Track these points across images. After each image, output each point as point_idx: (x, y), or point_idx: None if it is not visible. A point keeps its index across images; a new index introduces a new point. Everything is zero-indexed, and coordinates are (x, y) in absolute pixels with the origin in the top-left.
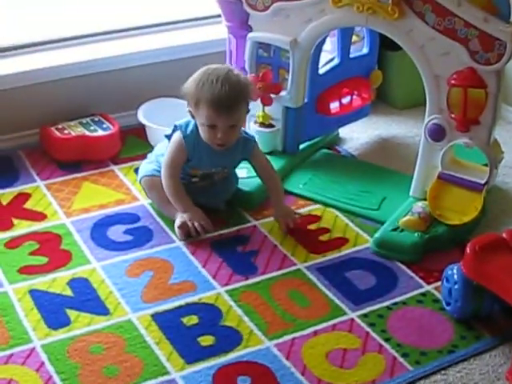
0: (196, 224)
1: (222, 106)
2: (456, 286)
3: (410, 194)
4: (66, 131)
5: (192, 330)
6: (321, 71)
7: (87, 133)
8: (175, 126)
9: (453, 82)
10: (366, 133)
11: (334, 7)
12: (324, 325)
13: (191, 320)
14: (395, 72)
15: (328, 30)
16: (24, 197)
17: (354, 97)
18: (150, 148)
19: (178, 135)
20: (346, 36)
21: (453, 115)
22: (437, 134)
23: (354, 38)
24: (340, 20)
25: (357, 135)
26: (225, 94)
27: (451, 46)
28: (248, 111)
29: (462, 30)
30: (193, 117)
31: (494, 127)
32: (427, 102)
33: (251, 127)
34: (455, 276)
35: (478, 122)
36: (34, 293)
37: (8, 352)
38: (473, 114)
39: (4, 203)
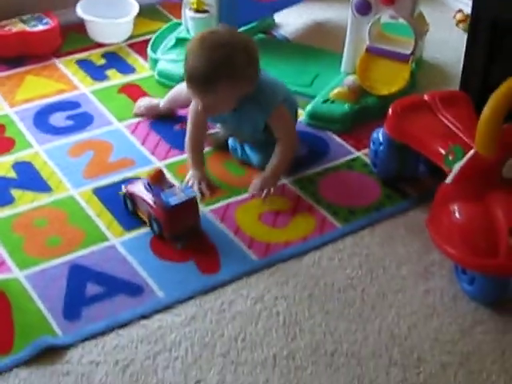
0: (195, 185)
1: (193, 84)
2: (381, 148)
3: (342, 69)
4: (6, 28)
5: None
6: None
7: (27, 28)
8: None
9: None
10: (301, 18)
11: None
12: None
13: None
14: None
15: None
16: None
17: None
18: (90, 42)
19: None
20: None
21: None
22: (363, 7)
23: None
24: None
25: (292, 20)
26: (197, 70)
27: None
28: (248, 81)
29: None
30: None
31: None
32: None
33: (186, 14)
34: (380, 138)
35: None
36: None
37: None
38: None
39: None
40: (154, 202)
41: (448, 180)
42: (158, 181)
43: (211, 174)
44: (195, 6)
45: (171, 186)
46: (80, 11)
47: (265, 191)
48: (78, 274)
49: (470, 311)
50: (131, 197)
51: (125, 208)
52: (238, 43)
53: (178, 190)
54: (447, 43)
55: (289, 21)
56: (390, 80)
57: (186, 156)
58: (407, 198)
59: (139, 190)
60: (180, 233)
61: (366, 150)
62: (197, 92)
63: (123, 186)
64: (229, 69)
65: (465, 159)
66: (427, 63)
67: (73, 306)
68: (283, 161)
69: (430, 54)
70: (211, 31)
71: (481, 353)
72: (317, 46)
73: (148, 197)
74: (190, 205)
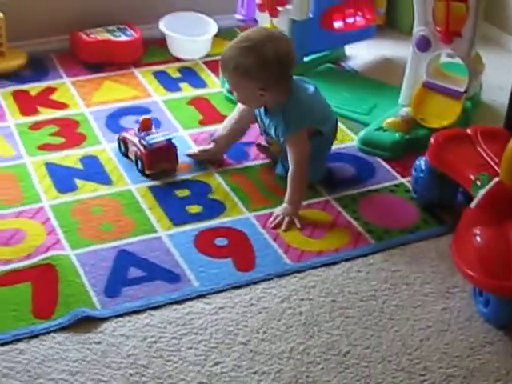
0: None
1: (220, 66)
2: (422, 175)
3: (399, 101)
4: (92, 36)
5: (183, 200)
6: None
7: (112, 38)
8: None
9: None
10: (371, 52)
11: None
12: None
13: (183, 192)
14: None
15: None
16: (51, 90)
17: (358, 18)
18: (169, 56)
19: None
20: None
21: (437, 28)
22: (423, 44)
23: None
24: None
25: (362, 54)
26: (223, 55)
27: None
28: (263, 89)
29: None
30: None
31: (474, 40)
32: (415, 16)
33: None
34: (422, 165)
35: (460, 35)
36: (49, 165)
37: (20, 209)
38: (455, 27)
39: (32, 94)
40: (139, 143)
41: (472, 205)
42: (145, 128)
43: (261, 183)
44: None
45: (156, 132)
46: (162, 27)
47: (285, 221)
48: (124, 258)
49: (483, 331)
50: (124, 141)
51: (118, 150)
52: (265, 44)
53: (160, 135)
54: (507, 87)
55: (358, 54)
56: (442, 114)
57: (241, 165)
58: (443, 224)
59: (130, 135)
60: (158, 171)
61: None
62: (222, 72)
63: (120, 134)
64: (241, 61)
65: (489, 186)
66: (484, 104)
67: (114, 284)
68: (297, 187)
69: (488, 96)
70: (256, 28)
71: (486, 370)
72: (382, 79)
73: (136, 140)
74: (168, 147)
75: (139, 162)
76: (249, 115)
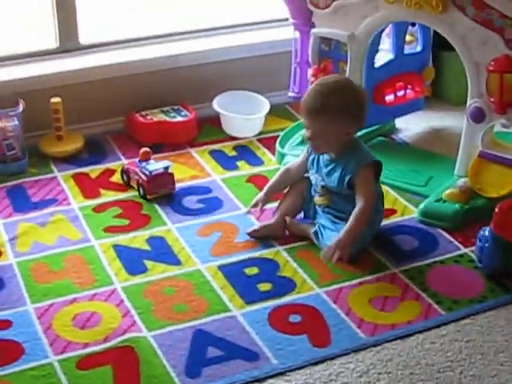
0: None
1: (303, 112)
2: (487, 244)
3: (455, 172)
4: (148, 117)
5: (252, 278)
6: (376, 65)
7: (167, 119)
8: None
9: (490, 68)
10: (420, 124)
11: (387, 3)
12: (369, 277)
13: (252, 271)
14: (450, 71)
15: (382, 24)
16: (110, 172)
17: (408, 90)
18: (224, 135)
19: None
20: (399, 33)
21: (491, 99)
22: (477, 116)
23: (409, 37)
24: (391, 15)
25: (412, 126)
26: (305, 98)
27: (488, 35)
28: (348, 131)
29: (497, 20)
30: None
31: None
32: (469, 88)
33: None
34: (486, 235)
35: None
36: (116, 247)
37: (93, 291)
38: (509, 98)
39: (93, 176)
40: (141, 172)
41: None
42: (145, 158)
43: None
44: None
45: (154, 162)
46: (216, 106)
47: (337, 254)
48: (201, 338)
49: None
50: (127, 171)
51: (121, 180)
52: (353, 87)
53: (159, 164)
54: None
55: (408, 126)
56: (500, 184)
57: (303, 243)
58: (510, 293)
59: (132, 166)
60: (158, 195)
61: (473, 248)
62: (305, 119)
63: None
64: (332, 103)
65: None
66: None
67: (194, 365)
68: (360, 221)
69: None
70: (331, 77)
71: None
72: (433, 150)
73: (137, 169)
74: (166, 174)
75: (141, 189)
76: (297, 175)
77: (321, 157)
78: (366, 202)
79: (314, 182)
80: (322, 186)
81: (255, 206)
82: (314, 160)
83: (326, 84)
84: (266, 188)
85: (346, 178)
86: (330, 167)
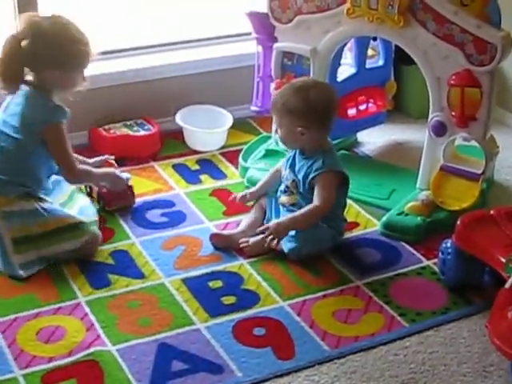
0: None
1: (271, 106)
2: (449, 257)
3: (417, 185)
4: (111, 131)
5: (217, 292)
6: (339, 79)
7: (130, 132)
8: None
9: (452, 82)
10: (382, 138)
11: (348, 18)
12: (332, 290)
13: (216, 284)
14: (411, 84)
15: (344, 39)
16: None
17: (370, 104)
18: (187, 149)
19: None
20: (361, 47)
21: (453, 113)
22: (439, 129)
23: (371, 51)
24: (354, 30)
25: (374, 140)
26: (274, 97)
27: (450, 50)
28: (302, 130)
29: (458, 35)
30: None
31: (489, 123)
32: (430, 101)
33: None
34: (448, 247)
35: (475, 119)
36: (80, 262)
37: (57, 306)
38: (470, 111)
39: None
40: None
41: (507, 285)
42: None
43: (291, 270)
44: None
45: None
46: (179, 120)
47: (271, 236)
48: (166, 351)
49: None
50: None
51: (84, 190)
52: (310, 88)
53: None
54: None
55: (370, 140)
56: (461, 197)
57: (267, 256)
58: (472, 304)
59: None
60: (118, 207)
61: (435, 260)
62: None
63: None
64: (288, 100)
65: None
66: (498, 184)
67: (159, 378)
68: (307, 216)
69: (501, 177)
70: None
71: None
72: (395, 163)
73: None
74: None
75: (101, 200)
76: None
77: (297, 155)
78: (322, 202)
79: (284, 178)
80: (293, 181)
81: (244, 196)
82: (290, 158)
83: (290, 84)
84: (257, 185)
85: (311, 175)
86: (302, 162)
